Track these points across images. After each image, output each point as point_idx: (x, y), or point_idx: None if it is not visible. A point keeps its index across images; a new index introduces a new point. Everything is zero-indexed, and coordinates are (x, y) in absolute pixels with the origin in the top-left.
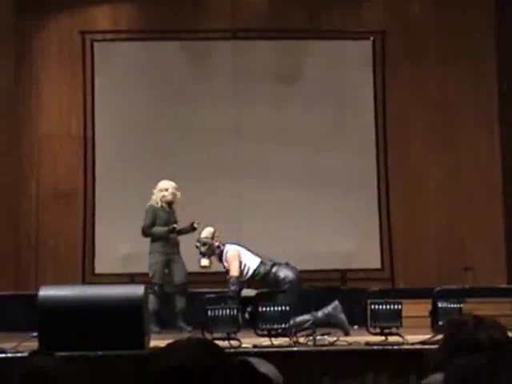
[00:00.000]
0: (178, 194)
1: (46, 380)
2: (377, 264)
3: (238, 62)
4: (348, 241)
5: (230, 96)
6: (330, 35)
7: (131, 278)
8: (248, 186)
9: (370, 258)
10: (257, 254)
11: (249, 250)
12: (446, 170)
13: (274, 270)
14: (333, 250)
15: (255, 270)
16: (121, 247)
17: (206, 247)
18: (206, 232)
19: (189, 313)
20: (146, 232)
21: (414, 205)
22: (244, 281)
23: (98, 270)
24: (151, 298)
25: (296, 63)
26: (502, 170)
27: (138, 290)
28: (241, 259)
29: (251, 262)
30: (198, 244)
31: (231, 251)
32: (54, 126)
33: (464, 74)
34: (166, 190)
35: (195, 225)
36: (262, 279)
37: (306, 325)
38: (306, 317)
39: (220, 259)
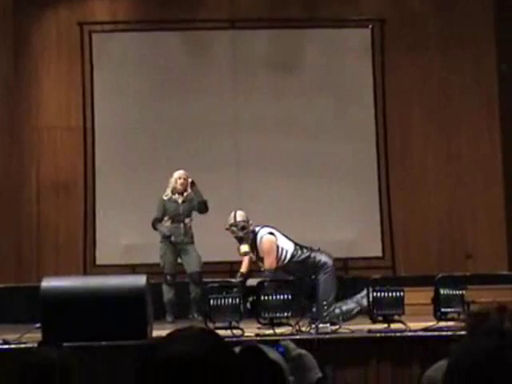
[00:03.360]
0: (189, 180)
1: (53, 370)
2: (378, 252)
3: (237, 51)
4: (349, 229)
5: (229, 85)
6: (329, 24)
7: (132, 269)
8: (248, 175)
9: (371, 247)
10: (287, 237)
11: (280, 233)
12: (446, 158)
13: (313, 254)
14: (334, 239)
15: (293, 254)
16: (122, 238)
17: (245, 232)
18: (241, 215)
19: (203, 303)
20: (153, 225)
21: (414, 193)
22: (281, 266)
23: (99, 262)
24: (164, 288)
25: (295, 52)
26: (502, 157)
27: (139, 280)
28: (277, 244)
29: (287, 246)
30: (234, 229)
31: (266, 239)
32: (53, 117)
33: (464, 60)
34: (175, 179)
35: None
36: (302, 262)
37: (354, 312)
38: (351, 305)
39: (253, 246)
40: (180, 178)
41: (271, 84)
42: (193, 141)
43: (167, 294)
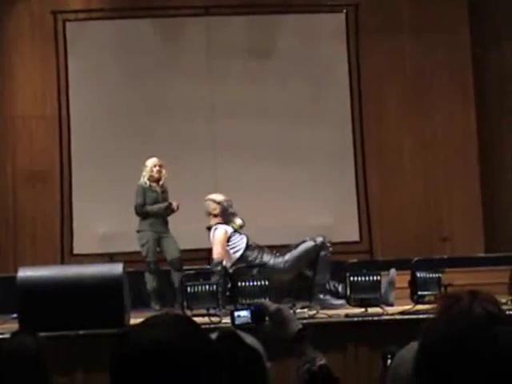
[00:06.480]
0: (163, 170)
1: (30, 360)
2: (355, 237)
3: (211, 38)
4: (326, 214)
5: (203, 72)
6: (303, 9)
7: (110, 258)
8: (223, 161)
9: (348, 231)
10: (245, 235)
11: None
12: (421, 141)
13: (259, 255)
14: (310, 224)
15: (242, 254)
16: (99, 227)
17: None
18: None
19: None
20: (139, 211)
21: (390, 176)
22: (232, 263)
23: (76, 251)
24: (147, 276)
25: (269, 38)
26: (477, 140)
27: (116, 268)
28: (229, 240)
29: (240, 244)
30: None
31: (218, 231)
32: (28, 107)
33: (438, 43)
34: (150, 168)
35: (173, 206)
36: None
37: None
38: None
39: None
40: (155, 166)
41: (246, 70)
42: (168, 127)
43: (151, 282)
